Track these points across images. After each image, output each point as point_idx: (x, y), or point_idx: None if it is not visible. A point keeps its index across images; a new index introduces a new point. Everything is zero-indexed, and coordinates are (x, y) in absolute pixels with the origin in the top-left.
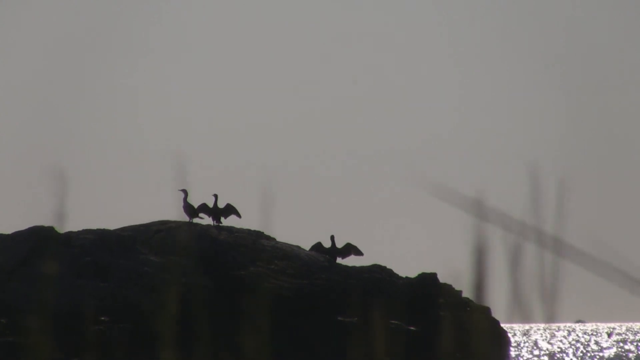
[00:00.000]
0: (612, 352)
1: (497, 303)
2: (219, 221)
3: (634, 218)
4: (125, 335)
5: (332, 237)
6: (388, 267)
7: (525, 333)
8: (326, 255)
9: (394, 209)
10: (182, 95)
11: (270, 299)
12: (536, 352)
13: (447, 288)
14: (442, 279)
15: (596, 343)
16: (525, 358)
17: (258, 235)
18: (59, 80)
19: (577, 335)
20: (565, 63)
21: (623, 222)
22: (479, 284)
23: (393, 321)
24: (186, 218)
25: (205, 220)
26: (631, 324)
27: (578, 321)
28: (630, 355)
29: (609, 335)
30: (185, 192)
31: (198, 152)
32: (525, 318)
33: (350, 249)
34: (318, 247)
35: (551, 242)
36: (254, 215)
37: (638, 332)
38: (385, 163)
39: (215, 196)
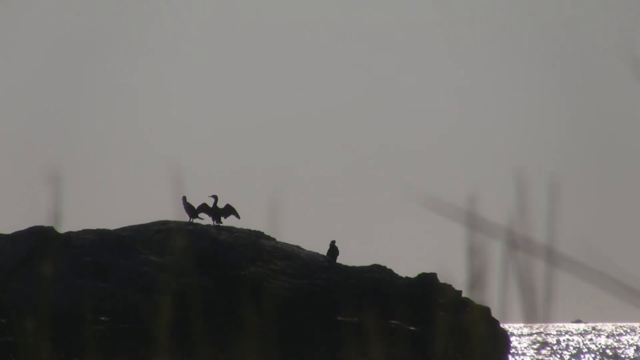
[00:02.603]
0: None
1: (496, 303)
2: (219, 221)
3: (633, 218)
4: (125, 335)
5: (215, 197)
6: (388, 267)
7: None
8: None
9: (394, 210)
10: (182, 95)
11: (270, 299)
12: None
13: (447, 288)
14: (441, 279)
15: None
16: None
17: (258, 235)
18: (58, 81)
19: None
20: (565, 63)
21: (622, 223)
22: (477, 284)
23: (393, 321)
24: (186, 218)
25: (206, 220)
26: (630, 323)
27: (576, 321)
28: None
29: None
30: (184, 198)
31: (197, 152)
32: (527, 318)
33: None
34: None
35: (542, 250)
36: (259, 218)
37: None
38: (385, 164)
39: (215, 197)
